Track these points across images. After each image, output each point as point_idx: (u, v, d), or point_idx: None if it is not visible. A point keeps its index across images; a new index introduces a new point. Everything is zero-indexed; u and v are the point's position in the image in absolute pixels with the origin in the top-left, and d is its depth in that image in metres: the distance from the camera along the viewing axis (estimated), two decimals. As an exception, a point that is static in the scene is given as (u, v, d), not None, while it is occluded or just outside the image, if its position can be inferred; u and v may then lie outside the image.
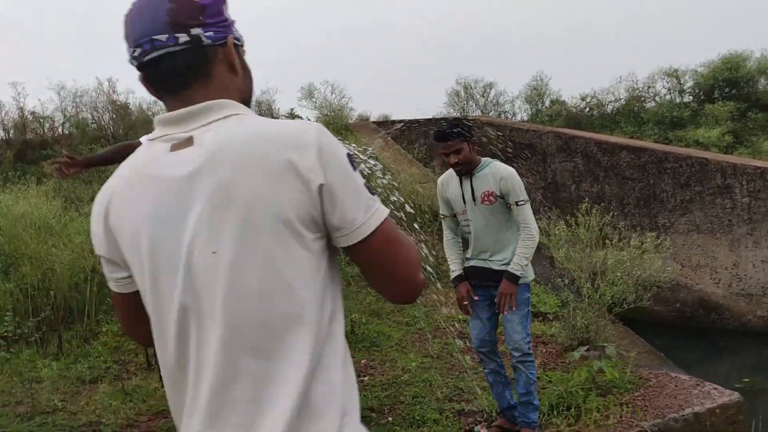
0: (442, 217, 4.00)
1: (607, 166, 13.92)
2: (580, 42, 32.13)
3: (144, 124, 11.62)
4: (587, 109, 15.78)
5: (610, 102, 16.21)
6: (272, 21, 39.92)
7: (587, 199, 14.40)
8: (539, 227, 3.79)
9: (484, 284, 3.75)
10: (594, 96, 15.83)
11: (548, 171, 15.18)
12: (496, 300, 3.64)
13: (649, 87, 16.62)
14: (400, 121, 16.40)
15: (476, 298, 3.73)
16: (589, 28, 34.08)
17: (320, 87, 14.18)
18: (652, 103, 16.25)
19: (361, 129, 14.21)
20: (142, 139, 1.59)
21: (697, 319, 10.83)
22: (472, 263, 3.82)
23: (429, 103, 35.57)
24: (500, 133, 14.66)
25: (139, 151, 1.22)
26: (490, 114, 17.17)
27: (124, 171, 1.21)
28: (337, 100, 14.23)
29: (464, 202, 3.79)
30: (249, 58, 1.30)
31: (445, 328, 5.33)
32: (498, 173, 3.69)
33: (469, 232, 3.84)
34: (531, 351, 3.65)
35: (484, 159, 3.80)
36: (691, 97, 15.97)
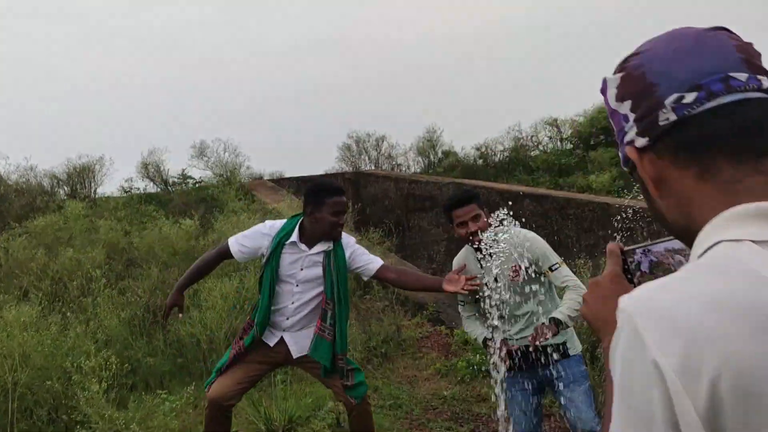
0: (460, 303, 3.51)
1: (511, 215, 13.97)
2: (470, 95, 33.48)
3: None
4: (481, 159, 16.08)
5: (500, 151, 16.65)
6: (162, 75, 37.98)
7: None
8: None
9: (527, 368, 3.27)
10: (486, 146, 16.21)
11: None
12: (551, 375, 3.18)
13: (532, 136, 17.28)
14: (295, 178, 15.85)
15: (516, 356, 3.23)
16: (477, 81, 35.64)
17: (212, 145, 13.31)
18: (537, 152, 16.92)
19: (258, 188, 13.48)
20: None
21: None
22: (508, 347, 3.32)
23: (322, 158, 35.37)
24: (400, 186, 14.52)
25: (735, 267, 0.64)
26: (383, 167, 17.06)
27: (722, 302, 0.61)
28: (232, 158, 13.39)
29: (487, 284, 3.32)
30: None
31: (436, 408, 4.78)
32: (519, 241, 3.26)
33: (500, 317, 3.37)
34: None
35: (498, 229, 3.37)
36: (571, 145, 16.80)
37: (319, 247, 3.47)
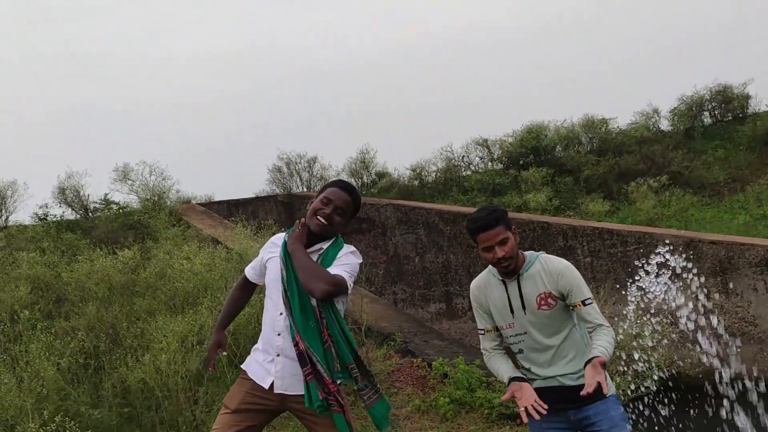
0: (480, 332, 3.15)
1: (450, 236, 14.04)
2: (403, 117, 33.52)
3: None
4: (416, 180, 15.95)
5: (433, 172, 16.59)
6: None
7: (433, 270, 14.33)
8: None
9: (558, 409, 2.95)
10: (420, 167, 16.10)
11: (389, 244, 14.90)
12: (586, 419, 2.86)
13: (464, 157, 17.35)
14: (225, 202, 15.13)
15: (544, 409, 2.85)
16: (410, 106, 35.74)
17: (137, 168, 12.45)
18: (468, 172, 16.99)
19: (188, 212, 12.73)
20: None
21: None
22: (534, 385, 2.98)
23: (251, 180, 34.45)
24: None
25: None
26: (316, 189, 16.62)
27: None
28: (158, 182, 12.58)
29: (512, 312, 3.00)
30: None
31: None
32: (552, 268, 2.96)
33: (521, 351, 3.04)
34: None
35: (528, 253, 3.07)
36: (501, 165, 16.96)
37: (314, 247, 3.06)
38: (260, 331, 3.18)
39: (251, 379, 3.03)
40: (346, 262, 3.03)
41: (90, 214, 12.00)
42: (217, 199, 14.76)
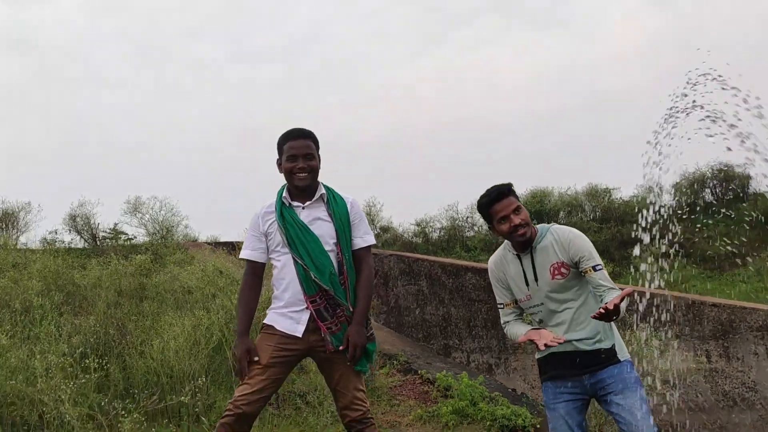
0: (500, 306, 3.27)
1: (452, 288, 14.09)
2: (409, 171, 33.94)
3: None
4: (420, 237, 16.14)
5: (438, 229, 16.81)
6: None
7: (433, 322, 14.29)
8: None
9: (573, 375, 3.02)
10: (425, 222, 16.33)
11: (391, 295, 14.95)
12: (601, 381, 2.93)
13: (468, 217, 17.59)
14: (230, 243, 15.29)
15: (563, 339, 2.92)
16: (418, 161, 36.25)
17: (147, 202, 12.67)
18: (472, 232, 17.17)
19: (195, 248, 12.87)
20: None
21: None
22: (550, 350, 3.05)
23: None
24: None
25: None
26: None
27: None
28: (168, 217, 12.77)
29: (527, 284, 3.12)
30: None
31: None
32: (563, 238, 3.11)
33: (539, 321, 3.15)
34: None
35: (539, 226, 3.22)
36: (505, 228, 17.16)
37: (315, 198, 3.27)
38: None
39: (278, 333, 3.16)
40: (364, 221, 3.28)
41: (98, 242, 12.13)
42: (222, 240, 14.91)
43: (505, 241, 3.23)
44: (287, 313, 3.19)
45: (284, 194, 3.27)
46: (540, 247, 3.10)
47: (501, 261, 3.23)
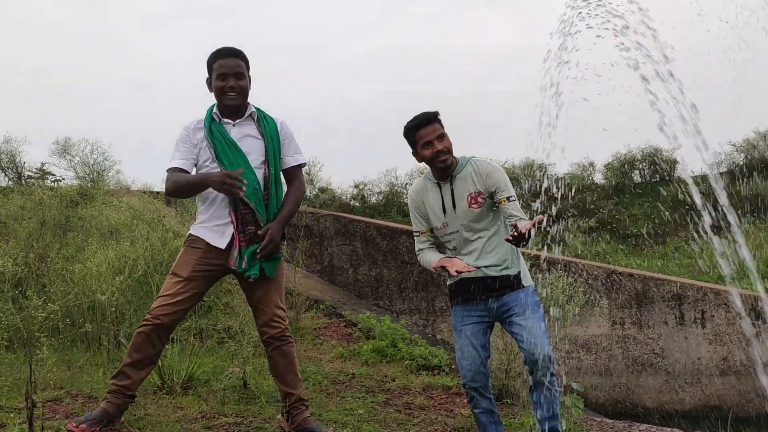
0: (416, 234, 3.39)
1: (386, 250, 14.31)
2: (352, 133, 33.65)
3: None
4: (359, 197, 16.22)
5: (376, 193, 16.92)
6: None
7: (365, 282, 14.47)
8: None
9: (480, 299, 3.19)
10: (364, 184, 16.41)
11: (325, 254, 15.03)
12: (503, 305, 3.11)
13: (407, 184, 17.76)
14: (163, 191, 14.98)
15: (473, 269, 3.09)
16: (363, 124, 35.94)
17: (77, 144, 12.22)
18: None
19: (126, 195, 12.56)
20: None
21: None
22: (460, 277, 3.21)
23: None
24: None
25: None
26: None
27: None
28: (99, 161, 12.37)
29: (444, 212, 3.26)
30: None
31: (344, 382, 4.52)
32: (482, 169, 3.25)
33: (453, 248, 3.29)
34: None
35: (460, 157, 3.35)
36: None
37: (245, 116, 3.32)
38: None
39: (202, 247, 3.19)
40: (294, 140, 3.33)
41: (24, 182, 11.68)
42: (156, 190, 14.57)
43: (426, 170, 3.35)
44: (211, 226, 3.23)
45: (214, 110, 3.29)
46: (459, 176, 3.23)
47: (421, 189, 3.35)
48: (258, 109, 3.36)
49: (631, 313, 11.23)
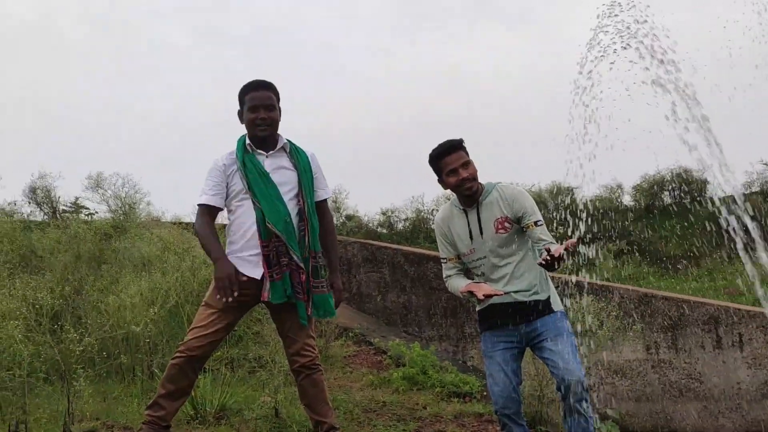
0: (443, 261, 3.40)
1: (414, 277, 14.27)
2: (378, 162, 33.86)
3: None
4: (386, 227, 16.27)
5: (403, 220, 16.96)
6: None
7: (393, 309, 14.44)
8: None
9: (510, 324, 3.17)
10: (391, 211, 16.49)
11: (353, 281, 15.04)
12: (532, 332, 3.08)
13: (434, 210, 17.79)
14: (192, 224, 15.19)
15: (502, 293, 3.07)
16: (386, 151, 36.14)
17: (110, 178, 12.53)
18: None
19: (158, 226, 12.79)
20: None
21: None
22: (489, 302, 3.19)
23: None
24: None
25: None
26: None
27: None
28: (130, 194, 12.64)
29: (471, 238, 3.26)
30: None
31: (376, 410, 4.51)
32: (508, 194, 3.26)
33: (481, 274, 3.29)
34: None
35: (485, 183, 3.36)
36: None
37: (277, 148, 3.37)
38: None
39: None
40: (323, 174, 3.39)
41: (59, 216, 11.98)
42: (186, 221, 14.79)
43: (452, 197, 3.37)
44: (245, 256, 3.26)
45: (247, 141, 3.34)
46: (486, 202, 3.24)
47: (447, 216, 3.36)
48: (289, 141, 3.42)
49: (666, 337, 11.01)
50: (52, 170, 16.32)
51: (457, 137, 3.26)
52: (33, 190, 12.03)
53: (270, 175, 3.28)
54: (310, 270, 3.28)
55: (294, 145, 3.43)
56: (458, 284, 3.25)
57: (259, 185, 3.24)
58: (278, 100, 3.39)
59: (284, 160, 3.35)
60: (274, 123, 3.34)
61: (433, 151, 3.26)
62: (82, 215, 12.20)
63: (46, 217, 12.02)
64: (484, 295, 3.01)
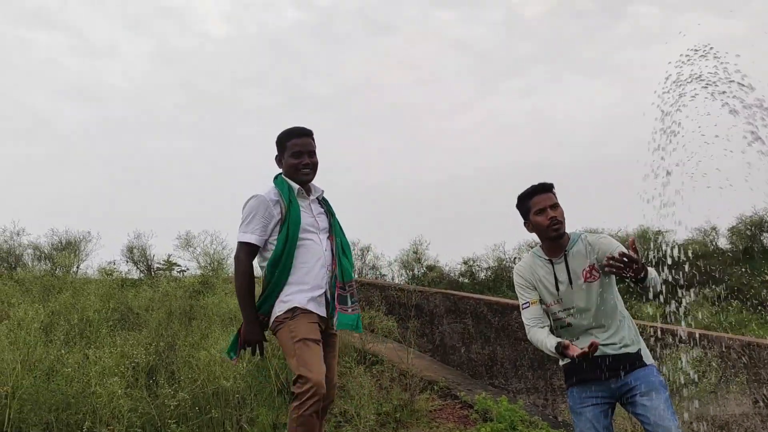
0: (524, 306, 3.31)
1: (498, 327, 13.92)
2: (456, 209, 33.93)
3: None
4: (467, 277, 16.12)
5: (484, 269, 16.75)
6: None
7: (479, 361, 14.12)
8: None
9: (599, 379, 3.04)
10: (472, 260, 16.34)
11: (436, 333, 14.87)
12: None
13: (515, 258, 17.49)
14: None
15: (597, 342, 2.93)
16: (465, 200, 36.23)
17: (199, 236, 13.14)
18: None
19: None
20: None
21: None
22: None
23: None
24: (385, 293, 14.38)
25: None
26: (367, 277, 16.91)
27: None
28: (218, 251, 13.15)
29: (558, 288, 3.17)
30: None
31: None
32: (593, 241, 3.19)
33: (567, 325, 3.18)
34: None
35: (571, 233, 3.28)
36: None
37: (313, 195, 3.52)
38: None
39: (314, 313, 3.25)
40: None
41: (153, 273, 12.59)
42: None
43: (533, 249, 3.31)
44: (315, 297, 3.30)
45: (293, 184, 3.40)
46: (573, 251, 3.17)
47: (530, 266, 3.29)
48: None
49: (775, 389, 10.21)
50: (146, 230, 17.20)
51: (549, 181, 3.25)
52: (130, 249, 12.75)
53: (316, 218, 3.39)
54: (337, 297, 3.34)
55: (330, 209, 3.63)
56: (544, 341, 3.13)
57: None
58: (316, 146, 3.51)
59: (319, 207, 3.52)
60: (315, 167, 3.47)
61: (524, 191, 3.25)
62: (175, 272, 12.76)
63: (142, 275, 12.66)
64: (576, 356, 2.89)
